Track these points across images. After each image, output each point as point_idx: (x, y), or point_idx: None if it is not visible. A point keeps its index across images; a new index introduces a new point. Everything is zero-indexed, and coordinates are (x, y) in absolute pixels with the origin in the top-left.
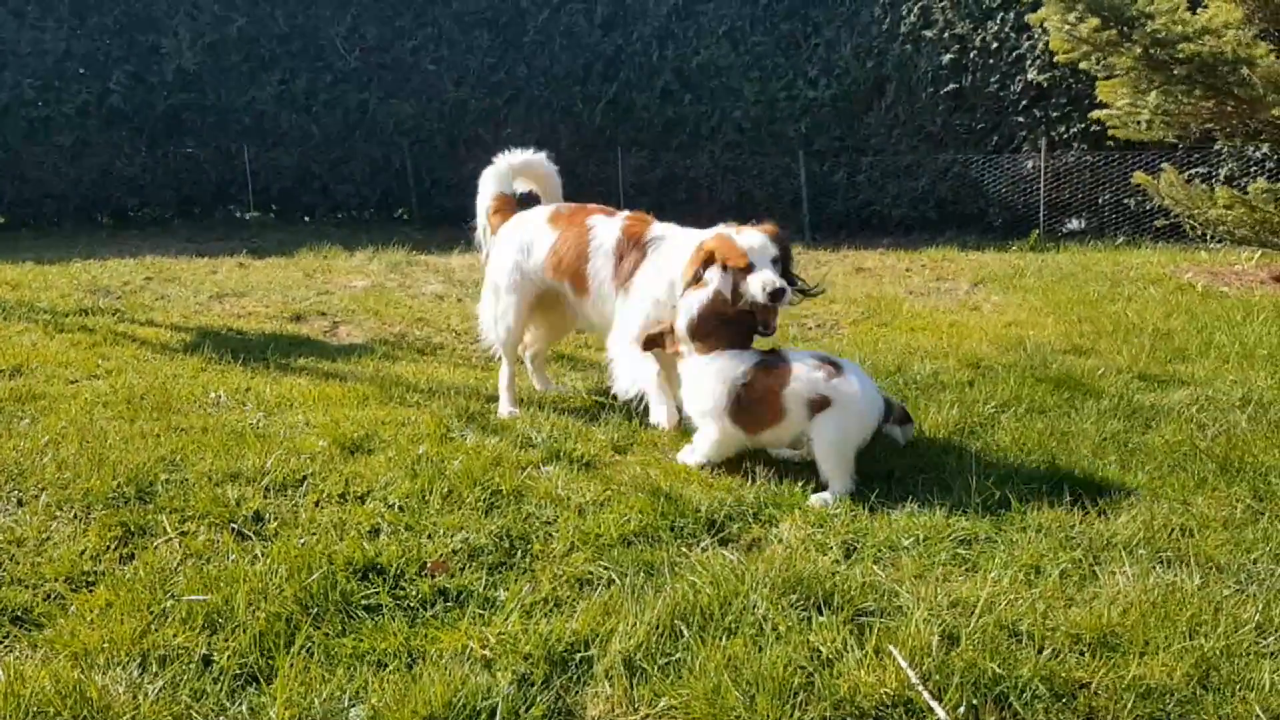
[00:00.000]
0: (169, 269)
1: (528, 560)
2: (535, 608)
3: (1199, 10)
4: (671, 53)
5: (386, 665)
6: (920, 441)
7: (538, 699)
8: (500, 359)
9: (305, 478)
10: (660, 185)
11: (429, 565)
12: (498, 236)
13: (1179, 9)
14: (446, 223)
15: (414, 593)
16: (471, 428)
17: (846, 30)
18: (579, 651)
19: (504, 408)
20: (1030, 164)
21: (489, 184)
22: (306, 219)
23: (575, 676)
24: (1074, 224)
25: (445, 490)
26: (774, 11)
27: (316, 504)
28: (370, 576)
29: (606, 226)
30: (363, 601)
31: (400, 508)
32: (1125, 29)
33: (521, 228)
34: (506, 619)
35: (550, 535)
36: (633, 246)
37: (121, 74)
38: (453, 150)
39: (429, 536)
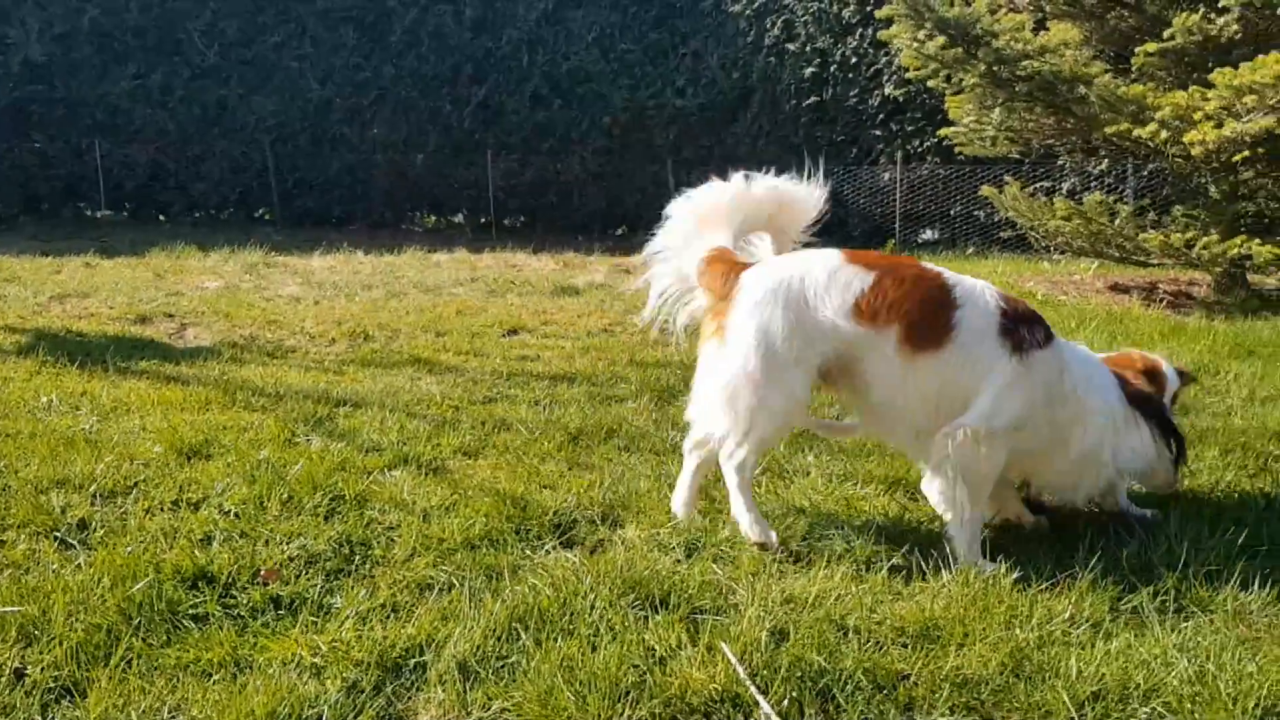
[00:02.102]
0: (9, 268)
1: (368, 566)
2: (371, 614)
3: (1042, 30)
4: (541, 57)
5: (212, 676)
6: None
7: (366, 706)
8: (744, 454)
9: (137, 484)
10: (530, 189)
11: (262, 573)
12: (742, 290)
13: (1022, 28)
14: (310, 222)
15: (245, 601)
16: (318, 432)
17: (713, 41)
18: (413, 657)
19: (755, 530)
20: (887, 176)
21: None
22: (162, 218)
23: (408, 682)
24: (928, 234)
25: (285, 496)
26: (642, 20)
27: (147, 511)
28: (200, 585)
29: (970, 280)
30: (190, 611)
31: (236, 514)
32: (971, 47)
33: (792, 269)
34: (340, 626)
35: (392, 541)
36: (1032, 319)
37: None
38: (317, 149)
39: (265, 543)
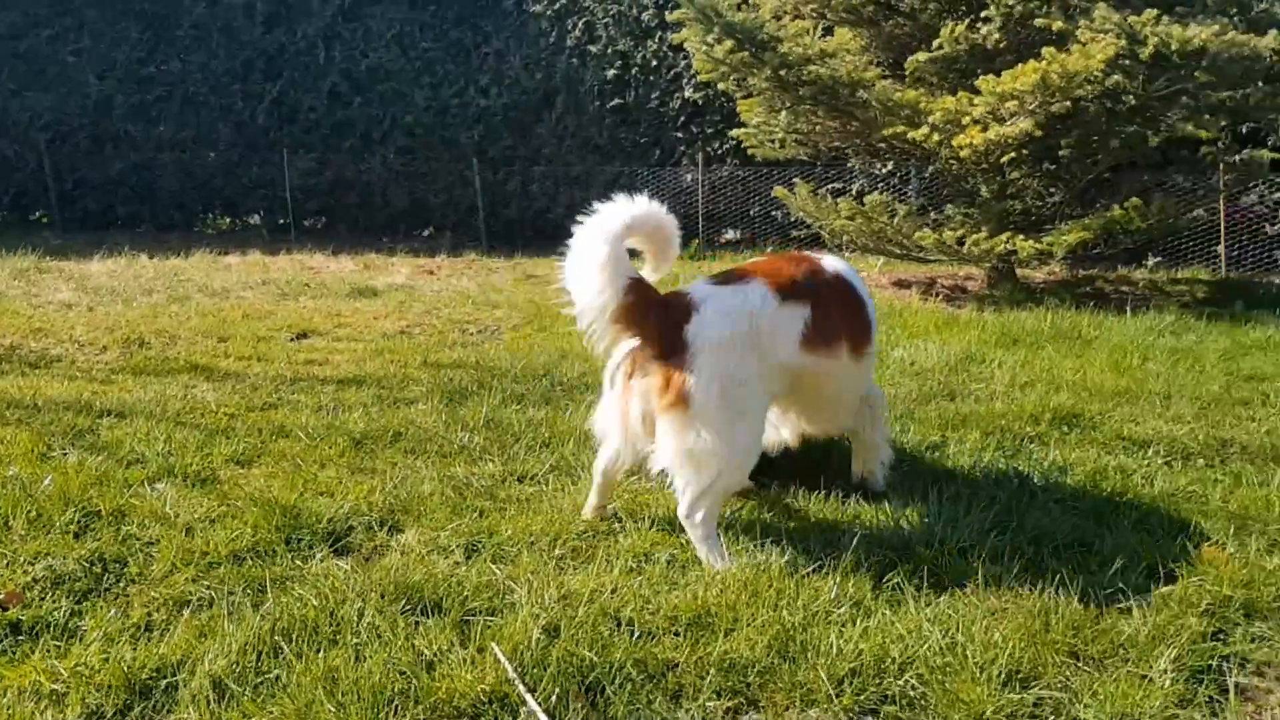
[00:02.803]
0: None
1: (122, 585)
2: (122, 635)
3: (827, 36)
4: (339, 54)
5: None
6: (556, 439)
7: None
8: (711, 504)
9: None
10: (331, 189)
11: (1, 597)
12: (698, 351)
13: (806, 34)
14: (92, 225)
15: None
16: (77, 445)
17: (516, 41)
18: (165, 677)
19: (722, 560)
20: (689, 177)
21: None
22: None
23: (158, 704)
24: (730, 234)
25: (33, 514)
26: (443, 18)
27: None
28: None
29: (849, 269)
30: None
31: None
32: (757, 51)
33: (737, 321)
34: (86, 649)
35: (151, 557)
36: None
37: None
38: (98, 148)
39: (7, 565)
